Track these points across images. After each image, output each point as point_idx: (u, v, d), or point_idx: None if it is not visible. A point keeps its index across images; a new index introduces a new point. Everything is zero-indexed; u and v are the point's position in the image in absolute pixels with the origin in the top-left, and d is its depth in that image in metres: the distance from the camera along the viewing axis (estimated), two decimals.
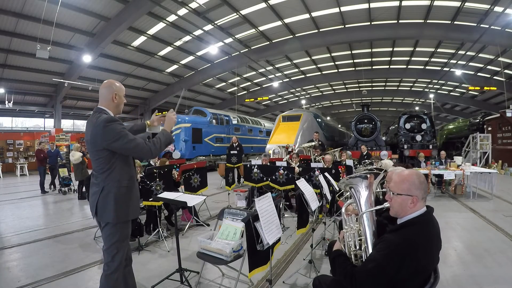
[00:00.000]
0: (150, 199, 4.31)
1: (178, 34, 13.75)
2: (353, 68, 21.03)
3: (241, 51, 15.59)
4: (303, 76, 22.34)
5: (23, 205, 7.25)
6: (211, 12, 12.13)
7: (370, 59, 19.08)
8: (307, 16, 13.10)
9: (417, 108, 26.59)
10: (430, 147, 13.39)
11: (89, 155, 2.20)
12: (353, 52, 17.88)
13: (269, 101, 29.63)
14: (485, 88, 16.66)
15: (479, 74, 18.97)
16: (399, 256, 1.39)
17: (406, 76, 21.53)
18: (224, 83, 22.65)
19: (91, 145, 2.09)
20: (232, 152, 9.33)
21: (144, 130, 2.68)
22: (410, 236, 1.44)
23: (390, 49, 17.24)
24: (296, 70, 20.92)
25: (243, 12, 12.49)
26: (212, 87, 22.98)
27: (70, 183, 8.97)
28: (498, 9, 11.19)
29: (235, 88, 23.06)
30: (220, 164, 10.57)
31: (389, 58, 18.89)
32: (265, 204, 2.33)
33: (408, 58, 18.49)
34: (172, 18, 12.24)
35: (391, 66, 20.29)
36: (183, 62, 17.45)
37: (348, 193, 1.92)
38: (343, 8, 12.51)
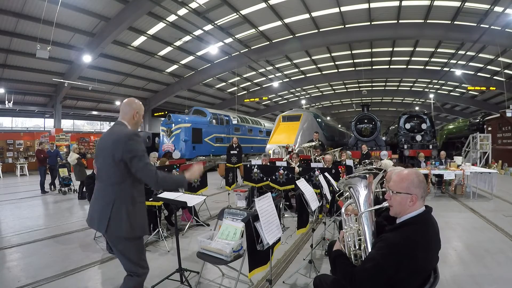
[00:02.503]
0: (150, 199, 4.31)
1: (178, 34, 13.76)
2: (353, 68, 21.03)
3: (241, 51, 15.60)
4: (303, 76, 22.35)
5: (23, 205, 7.25)
6: (211, 12, 12.14)
7: (370, 59, 19.08)
8: (307, 16, 13.11)
9: (417, 108, 26.58)
10: (430, 147, 13.38)
11: (100, 163, 2.14)
12: (353, 52, 17.88)
13: (269, 101, 29.63)
14: (484, 88, 16.65)
15: (479, 74, 18.97)
16: (398, 255, 1.39)
17: (406, 76, 21.53)
18: (224, 83, 22.65)
19: (109, 155, 2.03)
20: (232, 152, 9.33)
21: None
22: (409, 235, 1.44)
23: (390, 49, 17.24)
24: (296, 70, 20.92)
25: (243, 12, 12.49)
26: (212, 87, 22.98)
27: (70, 183, 8.98)
28: (498, 9, 11.19)
29: (235, 88, 23.07)
30: (220, 164, 10.57)
31: (389, 58, 18.89)
32: (265, 204, 2.33)
33: (408, 58, 18.49)
34: (172, 18, 12.25)
35: (391, 66, 20.29)
36: (183, 62, 17.45)
37: (348, 193, 1.92)
38: (343, 8, 12.51)
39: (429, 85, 23.57)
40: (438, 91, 25.07)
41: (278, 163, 6.61)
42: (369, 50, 17.58)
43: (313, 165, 6.14)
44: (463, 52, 15.30)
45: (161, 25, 12.83)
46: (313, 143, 9.58)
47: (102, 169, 2.11)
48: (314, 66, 20.42)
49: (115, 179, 2.03)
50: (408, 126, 14.70)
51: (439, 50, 16.56)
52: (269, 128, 20.12)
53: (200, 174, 2.34)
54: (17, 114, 20.26)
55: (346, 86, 26.72)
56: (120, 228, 1.97)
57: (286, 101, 30.73)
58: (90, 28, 12.28)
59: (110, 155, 2.03)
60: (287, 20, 13.55)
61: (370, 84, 25.80)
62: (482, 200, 7.29)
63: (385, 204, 1.64)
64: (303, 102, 26.71)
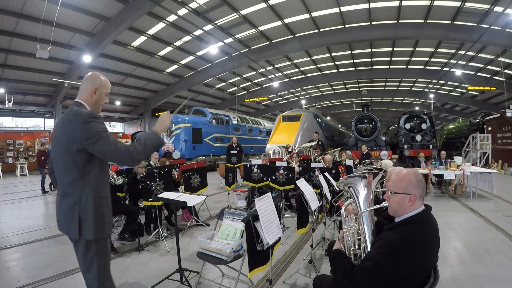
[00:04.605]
0: (150, 199, 4.31)
1: (178, 34, 13.75)
2: (353, 68, 21.02)
3: (241, 51, 15.59)
4: (303, 76, 22.34)
5: (23, 205, 7.26)
6: (211, 12, 12.13)
7: (370, 59, 19.08)
8: (307, 16, 13.10)
9: (417, 108, 26.58)
10: (430, 147, 13.39)
11: (56, 157, 1.81)
12: (353, 52, 17.88)
13: (269, 101, 29.64)
14: (483, 88, 16.64)
15: (479, 74, 18.97)
16: (397, 253, 1.40)
17: (406, 76, 21.53)
18: (224, 83, 22.65)
19: (64, 145, 1.72)
20: (232, 152, 9.33)
21: None
22: (408, 233, 1.44)
23: (390, 49, 17.24)
24: (296, 70, 20.92)
25: (243, 12, 12.48)
26: (212, 87, 22.98)
27: None
28: (498, 9, 11.19)
29: (235, 88, 23.07)
30: (220, 164, 10.57)
31: (389, 58, 18.88)
32: (265, 204, 2.33)
33: (408, 58, 18.49)
34: (172, 18, 12.24)
35: (391, 66, 20.29)
36: (183, 62, 17.45)
37: (348, 193, 1.93)
38: (343, 8, 12.51)
39: (429, 85, 23.56)
40: (438, 91, 25.06)
41: (278, 163, 6.61)
42: (369, 50, 17.57)
43: (313, 165, 6.14)
44: (463, 52, 15.30)
45: (161, 25, 12.83)
46: (313, 143, 9.58)
47: (60, 164, 1.78)
48: (314, 66, 20.41)
49: (77, 173, 1.72)
50: (408, 126, 14.71)
51: (439, 50, 16.55)
52: (269, 128, 20.13)
53: (169, 121, 2.02)
54: (17, 114, 20.26)
55: (346, 86, 26.72)
56: (90, 230, 1.71)
57: (286, 101, 30.72)
58: (90, 28, 12.28)
59: (65, 146, 1.71)
60: (287, 20, 13.54)
61: (370, 84, 25.80)
62: (482, 200, 7.28)
63: (384, 204, 1.64)
64: (303, 102, 26.70)
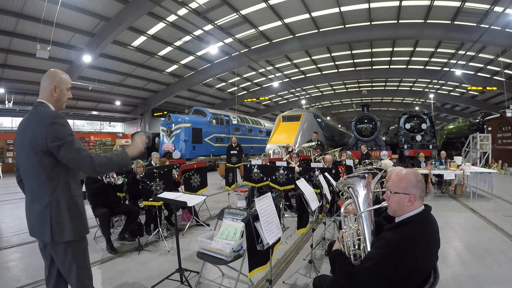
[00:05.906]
0: (150, 199, 4.31)
1: (178, 34, 13.76)
2: (353, 68, 21.02)
3: (241, 51, 15.59)
4: (303, 76, 22.35)
5: (23, 205, 7.18)
6: (211, 12, 12.14)
7: (370, 59, 19.08)
8: (307, 16, 13.10)
9: (417, 108, 26.59)
10: (430, 147, 13.39)
11: (22, 159, 1.75)
12: (353, 52, 17.87)
13: (269, 101, 29.63)
14: (482, 88, 16.64)
15: (479, 74, 18.97)
16: (397, 254, 1.40)
17: (406, 76, 21.53)
18: (224, 83, 22.66)
19: (30, 146, 1.67)
20: (232, 152, 9.33)
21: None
22: (408, 234, 1.44)
23: (390, 49, 17.24)
24: (296, 70, 20.92)
25: (243, 12, 12.48)
26: (212, 87, 22.99)
27: None
28: (498, 9, 11.19)
29: (235, 88, 23.07)
30: (220, 164, 10.58)
31: (389, 58, 18.88)
32: (265, 204, 2.33)
33: (408, 58, 18.49)
34: (172, 18, 12.25)
35: (391, 66, 20.29)
36: (183, 62, 17.45)
37: (348, 193, 1.93)
38: (343, 8, 12.51)
39: (429, 85, 23.56)
40: (438, 91, 25.06)
41: (278, 163, 6.61)
42: (369, 50, 17.57)
43: (313, 165, 6.13)
44: (463, 52, 15.30)
45: (161, 25, 12.83)
46: (313, 143, 9.57)
47: (27, 166, 1.74)
48: (314, 66, 20.41)
49: (46, 175, 1.68)
50: (408, 126, 14.71)
51: (439, 50, 16.55)
52: (269, 128, 20.12)
53: (144, 145, 1.94)
54: (17, 114, 20.23)
55: (346, 86, 26.72)
56: (65, 231, 1.69)
57: (286, 101, 30.72)
58: (90, 28, 12.28)
59: (32, 147, 1.67)
60: (287, 20, 13.54)
61: (370, 84, 25.80)
62: (482, 200, 7.28)
63: (384, 203, 1.64)
64: (303, 102, 26.71)
